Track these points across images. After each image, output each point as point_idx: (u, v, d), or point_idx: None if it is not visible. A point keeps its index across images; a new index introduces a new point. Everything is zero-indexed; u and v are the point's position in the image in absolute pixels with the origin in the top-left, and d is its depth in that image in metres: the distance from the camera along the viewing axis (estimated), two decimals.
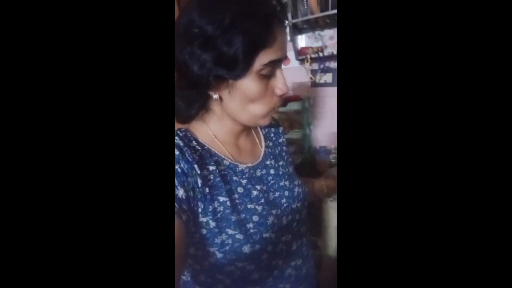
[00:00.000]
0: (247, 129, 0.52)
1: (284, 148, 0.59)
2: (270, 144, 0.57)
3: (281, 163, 0.55)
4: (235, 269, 0.43)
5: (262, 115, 0.43)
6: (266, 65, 0.38)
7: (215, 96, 0.42)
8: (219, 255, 0.42)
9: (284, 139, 0.61)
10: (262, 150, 0.54)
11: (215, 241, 0.41)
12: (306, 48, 1.38)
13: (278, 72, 0.41)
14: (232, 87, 0.40)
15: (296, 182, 0.54)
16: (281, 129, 0.62)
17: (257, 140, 0.55)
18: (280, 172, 0.53)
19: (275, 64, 0.39)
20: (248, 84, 0.39)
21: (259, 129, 0.57)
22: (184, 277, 0.48)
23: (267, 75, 0.40)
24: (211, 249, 0.42)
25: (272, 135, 0.59)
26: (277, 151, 0.57)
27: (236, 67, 0.37)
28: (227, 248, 0.41)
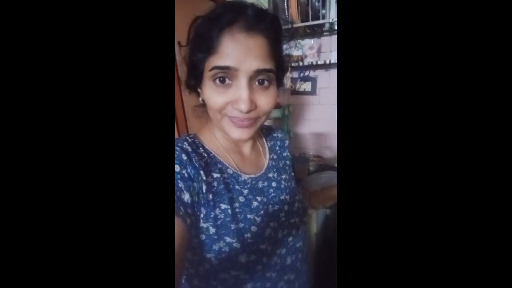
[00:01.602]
0: (252, 140, 0.53)
1: (287, 162, 0.59)
2: (275, 157, 0.57)
3: (283, 176, 0.55)
4: (229, 277, 0.43)
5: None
6: (212, 70, 0.38)
7: (200, 99, 0.45)
8: (215, 262, 0.42)
9: (289, 153, 0.61)
10: (266, 162, 0.54)
11: (213, 248, 0.42)
12: (287, 56, 1.40)
13: (240, 84, 0.38)
14: (201, 92, 0.43)
15: (297, 197, 0.54)
16: (286, 142, 0.62)
17: (261, 151, 0.56)
18: (282, 186, 0.53)
19: (229, 72, 0.38)
20: (204, 89, 0.42)
21: (264, 141, 0.58)
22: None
23: (224, 83, 0.39)
24: (208, 255, 0.42)
25: (277, 148, 0.59)
26: (280, 165, 0.57)
27: (194, 70, 0.42)
28: (223, 255, 0.42)
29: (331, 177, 1.26)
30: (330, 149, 1.54)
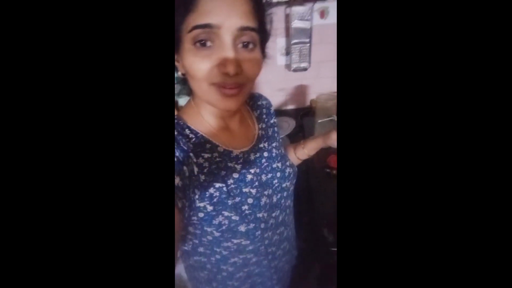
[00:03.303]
0: (238, 113, 0.52)
1: (275, 129, 0.59)
2: (263, 126, 0.56)
3: (274, 144, 0.55)
4: (232, 244, 0.47)
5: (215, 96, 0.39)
6: (192, 31, 0.34)
7: (178, 73, 0.41)
8: (217, 234, 0.44)
9: (275, 120, 0.61)
10: (256, 133, 0.53)
11: (213, 222, 0.43)
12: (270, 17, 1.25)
13: (224, 44, 0.35)
14: (180, 61, 0.38)
15: (287, 163, 0.56)
16: (272, 109, 0.61)
17: (250, 123, 0.55)
18: (273, 154, 0.54)
19: (211, 32, 0.34)
20: (184, 57, 0.37)
21: (251, 111, 0.57)
22: (185, 248, 0.50)
23: (206, 46, 0.35)
24: (209, 229, 0.44)
25: (264, 116, 0.58)
26: (270, 133, 0.57)
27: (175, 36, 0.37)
28: (224, 227, 0.44)
29: None
30: None
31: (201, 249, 0.48)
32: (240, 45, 0.36)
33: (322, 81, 1.40)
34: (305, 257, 0.75)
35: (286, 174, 0.54)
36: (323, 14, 1.22)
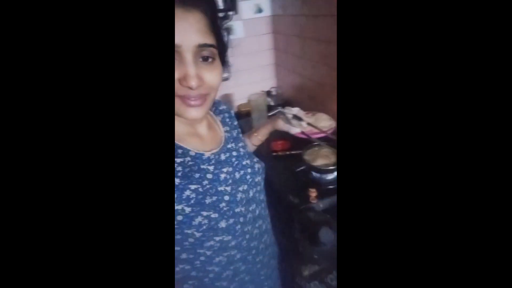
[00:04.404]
0: (205, 119, 0.54)
1: (239, 130, 0.64)
2: (228, 129, 0.61)
3: (240, 144, 0.60)
4: (215, 242, 0.47)
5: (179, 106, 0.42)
6: None
7: None
8: (198, 235, 0.45)
9: (237, 123, 0.65)
10: (223, 135, 0.57)
11: (193, 224, 0.44)
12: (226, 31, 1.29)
13: (185, 61, 0.38)
14: None
15: (255, 160, 0.61)
16: (232, 113, 0.66)
17: (216, 127, 0.58)
18: (241, 153, 0.58)
19: (179, 50, 0.38)
20: None
21: (214, 116, 0.60)
22: None
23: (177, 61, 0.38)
24: (189, 231, 0.44)
25: (227, 120, 0.63)
26: (235, 134, 0.61)
27: None
28: (204, 227, 0.45)
29: None
30: None
31: (183, 255, 0.48)
32: (200, 59, 0.40)
33: (241, 87, 1.62)
34: (286, 216, 0.91)
35: (256, 169, 0.58)
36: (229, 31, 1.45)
